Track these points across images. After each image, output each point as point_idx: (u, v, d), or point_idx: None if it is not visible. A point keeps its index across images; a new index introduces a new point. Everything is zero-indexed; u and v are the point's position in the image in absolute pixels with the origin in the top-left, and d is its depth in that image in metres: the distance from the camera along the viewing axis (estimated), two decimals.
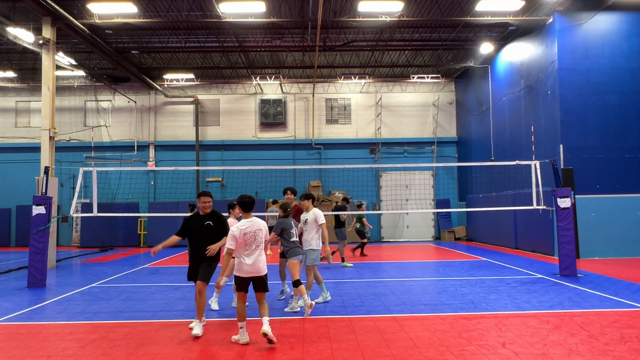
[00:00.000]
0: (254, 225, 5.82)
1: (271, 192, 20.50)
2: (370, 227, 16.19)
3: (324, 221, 7.91)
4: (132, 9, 14.63)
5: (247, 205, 5.94)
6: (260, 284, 5.80)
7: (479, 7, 14.65)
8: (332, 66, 21.73)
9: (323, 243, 7.80)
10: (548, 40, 15.14)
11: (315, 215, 7.89)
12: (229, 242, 5.70)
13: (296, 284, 7.08)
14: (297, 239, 7.43)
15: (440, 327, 6.40)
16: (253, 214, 6.06)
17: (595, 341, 5.65)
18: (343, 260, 13.18)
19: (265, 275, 5.83)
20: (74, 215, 12.46)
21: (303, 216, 8.05)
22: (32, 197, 10.79)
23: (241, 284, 5.78)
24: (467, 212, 21.13)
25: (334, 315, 7.18)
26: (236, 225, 5.78)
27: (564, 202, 10.91)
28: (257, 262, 5.74)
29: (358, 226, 15.39)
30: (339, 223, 14.03)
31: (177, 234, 6.48)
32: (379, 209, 22.26)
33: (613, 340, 5.65)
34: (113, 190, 22.26)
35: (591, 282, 9.79)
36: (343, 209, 14.20)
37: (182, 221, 6.60)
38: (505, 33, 17.34)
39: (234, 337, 5.94)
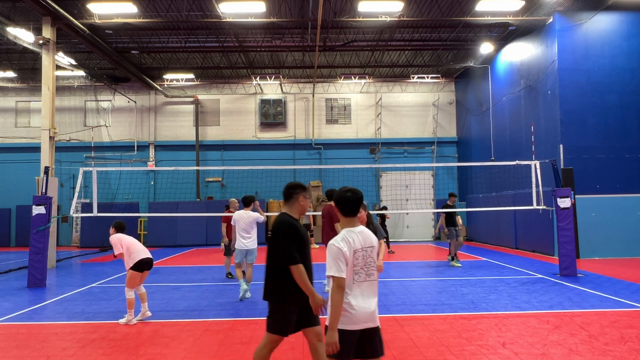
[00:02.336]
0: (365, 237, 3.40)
1: (271, 192, 20.51)
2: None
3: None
4: (132, 9, 14.62)
5: (349, 204, 3.43)
6: (374, 340, 3.34)
7: (479, 7, 14.65)
8: (332, 66, 21.73)
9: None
10: (548, 40, 15.13)
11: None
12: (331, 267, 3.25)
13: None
14: None
15: (440, 327, 6.40)
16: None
17: (595, 341, 5.65)
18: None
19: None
20: (74, 215, 12.45)
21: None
22: (32, 197, 10.79)
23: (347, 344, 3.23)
24: (467, 212, 21.12)
25: None
26: (337, 238, 3.33)
27: (564, 202, 10.91)
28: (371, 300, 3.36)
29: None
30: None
31: (298, 259, 3.94)
32: (380, 209, 22.23)
33: (613, 340, 5.65)
34: (113, 190, 22.25)
35: (591, 282, 9.79)
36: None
37: (288, 232, 4.00)
38: (505, 33, 17.34)
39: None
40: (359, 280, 3.30)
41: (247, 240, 8.67)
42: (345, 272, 3.21)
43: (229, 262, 11.20)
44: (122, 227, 7.78)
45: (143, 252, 7.35)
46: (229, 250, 11.03)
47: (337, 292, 3.18)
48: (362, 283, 3.30)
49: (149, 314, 7.25)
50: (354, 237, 3.32)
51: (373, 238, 3.44)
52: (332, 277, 3.19)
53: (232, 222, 8.98)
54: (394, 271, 12.02)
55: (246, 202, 9.00)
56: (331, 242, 3.29)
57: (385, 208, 17.29)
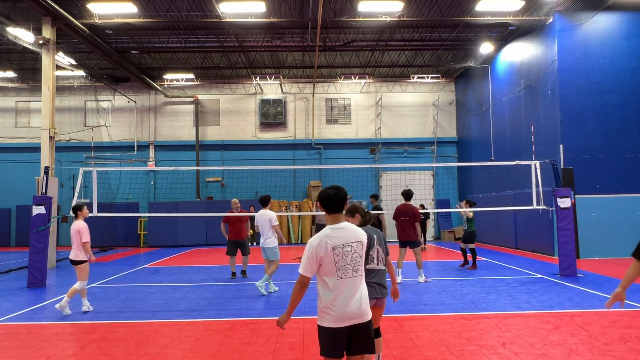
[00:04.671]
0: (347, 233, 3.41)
1: (271, 192, 20.49)
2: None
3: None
4: (132, 9, 14.63)
5: (330, 201, 3.43)
6: (363, 337, 3.34)
7: (479, 7, 14.65)
8: (332, 66, 21.73)
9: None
10: (548, 40, 15.13)
11: None
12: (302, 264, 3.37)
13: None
14: (381, 264, 4.43)
15: (440, 327, 6.40)
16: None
17: (595, 341, 5.65)
18: None
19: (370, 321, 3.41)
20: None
21: None
22: (32, 197, 10.79)
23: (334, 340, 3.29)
24: (473, 212, 21.09)
25: None
26: (316, 236, 3.40)
27: (564, 202, 10.91)
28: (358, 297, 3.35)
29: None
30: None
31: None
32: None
33: (613, 340, 5.65)
34: (113, 190, 22.26)
35: (591, 282, 9.79)
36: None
37: None
38: (505, 33, 17.34)
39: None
40: (345, 277, 3.32)
41: (264, 238, 9.10)
42: (312, 272, 3.31)
43: (234, 262, 11.15)
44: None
45: None
46: (231, 250, 10.99)
47: (298, 288, 3.35)
48: (349, 280, 3.32)
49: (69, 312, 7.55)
50: (334, 234, 3.36)
51: (359, 234, 3.45)
52: (300, 273, 3.34)
53: (255, 222, 9.34)
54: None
55: (263, 203, 9.40)
56: (310, 239, 3.41)
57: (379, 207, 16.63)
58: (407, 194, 10.70)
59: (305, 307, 7.69)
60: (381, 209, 12.67)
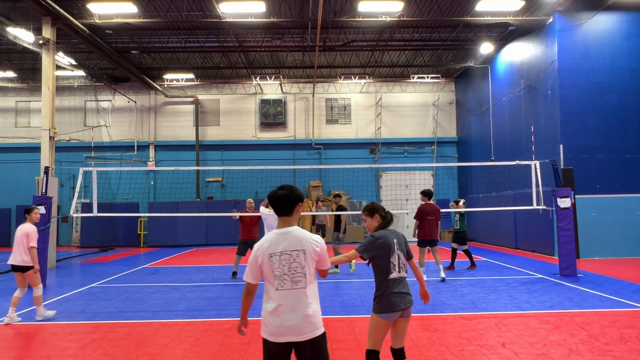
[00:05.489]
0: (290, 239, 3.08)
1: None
2: None
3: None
4: (132, 9, 14.63)
5: (278, 203, 3.17)
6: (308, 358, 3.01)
7: (479, 7, 14.65)
8: (332, 66, 21.73)
9: None
10: (548, 40, 15.13)
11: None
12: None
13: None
14: (403, 271, 3.95)
15: (440, 327, 6.39)
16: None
17: (595, 341, 5.65)
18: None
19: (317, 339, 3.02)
20: (74, 215, 12.46)
21: None
22: (32, 197, 10.80)
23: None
24: (467, 212, 21.10)
25: (334, 315, 7.17)
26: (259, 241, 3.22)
27: (564, 202, 10.91)
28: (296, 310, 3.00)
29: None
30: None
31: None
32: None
33: (613, 340, 5.65)
34: (113, 190, 22.26)
35: (591, 282, 9.79)
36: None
37: None
38: (505, 33, 17.34)
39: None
40: (283, 288, 2.97)
41: None
42: (256, 279, 3.08)
43: (239, 262, 11.08)
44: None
45: None
46: (242, 250, 10.92)
47: (244, 294, 3.18)
48: (288, 291, 2.97)
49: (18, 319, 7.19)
50: (275, 239, 3.05)
51: (303, 241, 3.04)
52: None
53: (260, 213, 9.48)
54: None
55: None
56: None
57: (343, 207, 14.00)
58: (430, 193, 10.70)
59: None
60: (345, 209, 12.36)
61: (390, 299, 3.78)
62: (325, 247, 3.16)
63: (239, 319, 3.31)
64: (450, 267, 12.12)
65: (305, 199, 22.22)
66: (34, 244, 7.11)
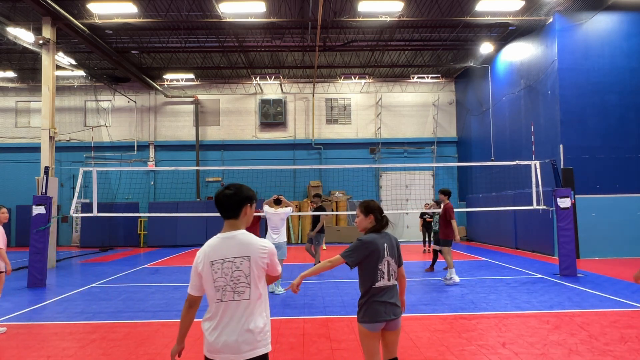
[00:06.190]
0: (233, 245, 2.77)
1: (271, 192, 20.44)
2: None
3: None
4: (132, 9, 14.63)
5: (222, 204, 2.84)
6: None
7: (479, 7, 14.65)
8: (332, 66, 21.73)
9: None
10: (548, 40, 15.13)
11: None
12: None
13: None
14: (392, 279, 3.62)
15: (440, 327, 6.39)
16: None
17: (595, 341, 5.65)
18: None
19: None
20: (74, 215, 12.45)
21: None
22: (32, 197, 10.79)
23: None
24: (467, 212, 21.13)
25: (334, 315, 7.17)
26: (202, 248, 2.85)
27: (564, 202, 10.91)
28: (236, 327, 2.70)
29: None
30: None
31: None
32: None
33: (613, 340, 5.65)
34: (113, 190, 22.26)
35: (591, 282, 9.79)
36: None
37: None
38: (505, 33, 17.34)
39: None
40: (225, 299, 2.67)
41: (276, 234, 9.24)
42: (199, 290, 2.76)
43: None
44: None
45: None
46: None
47: (185, 308, 2.82)
48: (228, 304, 2.67)
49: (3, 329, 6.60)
50: (218, 244, 2.74)
51: (249, 246, 2.74)
52: None
53: (263, 213, 9.46)
54: None
55: (276, 203, 9.64)
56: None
57: (322, 208, 12.71)
58: (451, 193, 10.70)
59: (305, 307, 7.71)
60: (324, 210, 11.98)
61: (374, 308, 3.47)
62: (275, 253, 2.85)
63: (175, 344, 2.86)
64: (430, 269, 11.90)
65: (305, 199, 22.27)
66: (3, 245, 6.53)
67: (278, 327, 6.52)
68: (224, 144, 23.27)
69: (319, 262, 11.30)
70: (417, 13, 15.92)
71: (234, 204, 2.78)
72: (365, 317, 3.47)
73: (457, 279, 9.92)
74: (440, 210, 11.89)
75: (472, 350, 5.42)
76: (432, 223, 12.45)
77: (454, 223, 10.10)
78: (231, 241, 2.73)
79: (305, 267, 12.07)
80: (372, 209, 3.66)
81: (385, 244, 3.56)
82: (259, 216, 10.98)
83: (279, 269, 2.90)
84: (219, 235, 2.79)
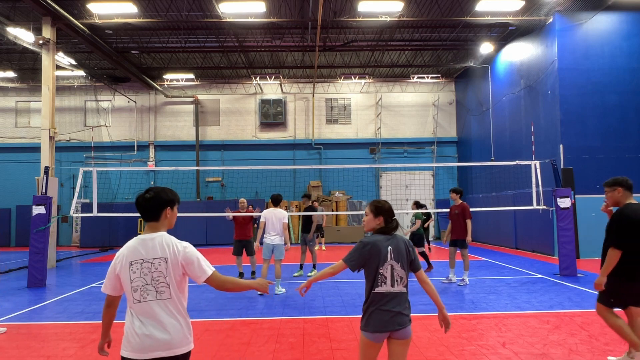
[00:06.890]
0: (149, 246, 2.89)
1: (271, 192, 20.44)
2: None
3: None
4: (132, 9, 14.63)
5: (142, 207, 3.07)
6: None
7: (479, 7, 14.65)
8: (332, 66, 21.73)
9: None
10: (548, 40, 15.14)
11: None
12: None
13: None
14: (398, 285, 3.31)
15: (440, 327, 6.37)
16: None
17: (595, 341, 5.65)
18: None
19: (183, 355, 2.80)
20: (74, 215, 12.45)
21: None
22: (32, 197, 10.79)
23: None
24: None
25: (334, 315, 7.17)
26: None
27: (564, 202, 10.91)
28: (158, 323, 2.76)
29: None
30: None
31: None
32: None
33: (613, 340, 5.65)
34: (113, 190, 22.26)
35: (591, 282, 9.77)
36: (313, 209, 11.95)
37: None
38: (505, 33, 17.35)
39: None
40: (147, 299, 2.72)
41: (274, 235, 9.12)
42: (116, 290, 2.84)
43: (241, 262, 10.99)
44: None
45: None
46: (237, 250, 10.86)
47: (104, 310, 2.99)
48: (149, 303, 2.72)
49: None
50: (138, 245, 2.83)
51: (167, 248, 2.83)
52: None
53: (262, 219, 9.27)
54: None
55: (274, 202, 9.44)
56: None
57: (312, 208, 12.19)
58: (460, 190, 10.85)
59: (305, 307, 7.71)
60: (315, 210, 11.83)
61: (375, 316, 3.23)
62: (194, 255, 2.88)
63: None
64: (429, 269, 11.84)
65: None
66: None
67: (278, 327, 6.52)
68: (224, 144, 23.27)
69: (315, 258, 11.50)
70: (417, 13, 15.92)
71: (153, 207, 2.92)
72: (367, 325, 3.25)
73: (467, 280, 9.90)
74: (416, 211, 12.01)
75: (472, 350, 5.42)
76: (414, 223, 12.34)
77: (469, 223, 9.87)
78: (150, 242, 2.83)
79: (305, 267, 12.07)
80: (383, 211, 3.47)
81: (390, 247, 3.31)
82: (251, 216, 10.98)
83: (204, 273, 2.93)
84: (139, 236, 2.86)
